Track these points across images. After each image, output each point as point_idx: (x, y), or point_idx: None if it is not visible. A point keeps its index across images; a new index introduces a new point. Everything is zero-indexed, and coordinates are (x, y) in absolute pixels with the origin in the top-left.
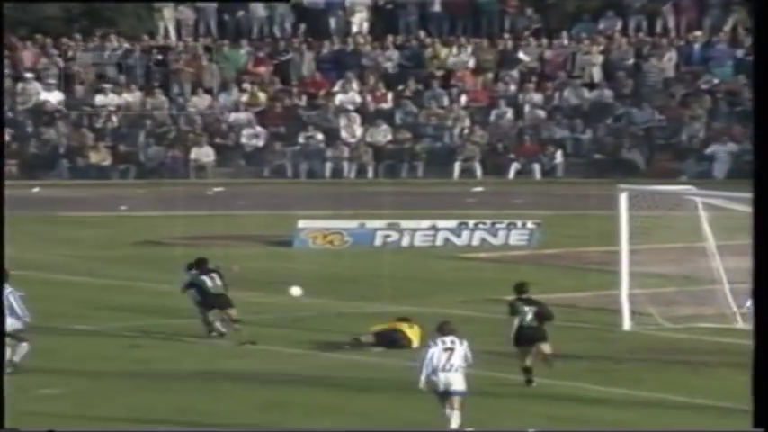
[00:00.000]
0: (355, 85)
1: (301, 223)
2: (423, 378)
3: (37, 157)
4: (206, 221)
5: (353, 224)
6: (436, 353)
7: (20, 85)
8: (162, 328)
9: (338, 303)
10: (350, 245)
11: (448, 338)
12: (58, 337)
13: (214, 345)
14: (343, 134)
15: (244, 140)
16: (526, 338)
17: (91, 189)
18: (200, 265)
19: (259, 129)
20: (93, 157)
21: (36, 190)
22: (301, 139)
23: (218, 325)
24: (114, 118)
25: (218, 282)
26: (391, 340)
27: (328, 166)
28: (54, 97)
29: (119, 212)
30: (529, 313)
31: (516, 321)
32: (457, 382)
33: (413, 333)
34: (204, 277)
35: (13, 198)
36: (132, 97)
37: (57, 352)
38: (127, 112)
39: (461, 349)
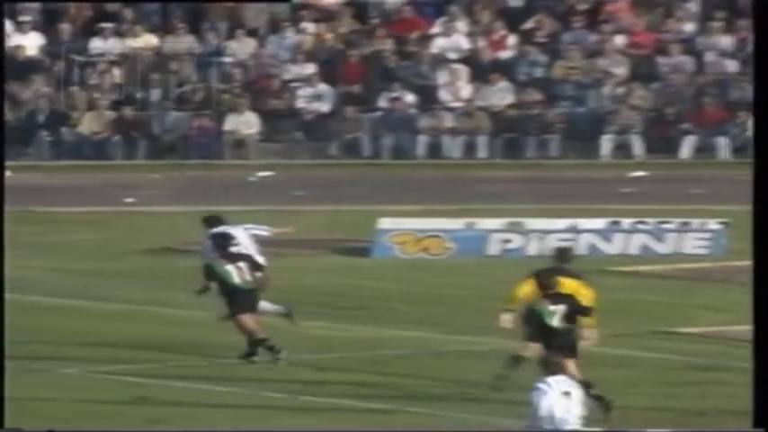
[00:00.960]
0: (462, 24)
1: (384, 223)
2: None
3: (6, 127)
4: (247, 219)
5: (458, 224)
6: (554, 400)
7: None
8: (182, 372)
9: (437, 337)
10: (454, 253)
11: (561, 378)
12: (34, 386)
13: (257, 395)
14: (445, 95)
15: (302, 104)
16: (565, 351)
17: (83, 173)
18: (220, 236)
19: (324, 87)
20: (87, 127)
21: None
22: (384, 102)
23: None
24: (117, 71)
25: (247, 276)
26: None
27: (422, 140)
28: (31, 42)
29: (123, 207)
30: (555, 314)
31: (534, 325)
32: None
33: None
34: (229, 267)
35: None
36: (143, 42)
37: (31, 406)
38: (135, 64)
39: (578, 393)
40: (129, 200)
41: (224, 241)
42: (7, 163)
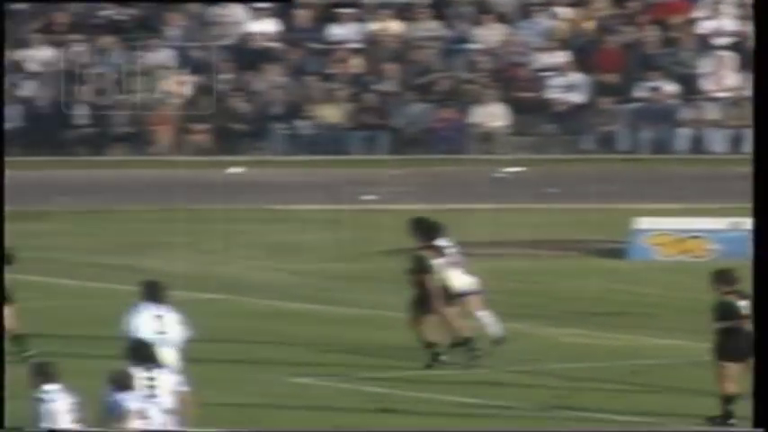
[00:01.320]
0: (729, 6)
1: (642, 222)
2: None
3: (241, 120)
4: (495, 218)
5: (723, 224)
6: None
7: (214, 11)
8: (424, 380)
9: (699, 346)
10: (717, 255)
11: None
12: (265, 394)
13: (504, 407)
14: (709, 84)
15: (554, 95)
16: (742, 349)
17: (319, 168)
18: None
19: (578, 77)
20: (324, 119)
21: (236, 170)
22: (643, 92)
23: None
24: (356, 60)
25: (467, 277)
26: None
27: (685, 133)
28: (266, 28)
29: (362, 204)
30: (743, 309)
31: (729, 319)
32: None
33: None
34: (439, 261)
35: (201, 182)
36: (384, 28)
37: (261, 413)
38: (376, 51)
39: None
40: (369, 197)
41: (432, 232)
42: (240, 158)
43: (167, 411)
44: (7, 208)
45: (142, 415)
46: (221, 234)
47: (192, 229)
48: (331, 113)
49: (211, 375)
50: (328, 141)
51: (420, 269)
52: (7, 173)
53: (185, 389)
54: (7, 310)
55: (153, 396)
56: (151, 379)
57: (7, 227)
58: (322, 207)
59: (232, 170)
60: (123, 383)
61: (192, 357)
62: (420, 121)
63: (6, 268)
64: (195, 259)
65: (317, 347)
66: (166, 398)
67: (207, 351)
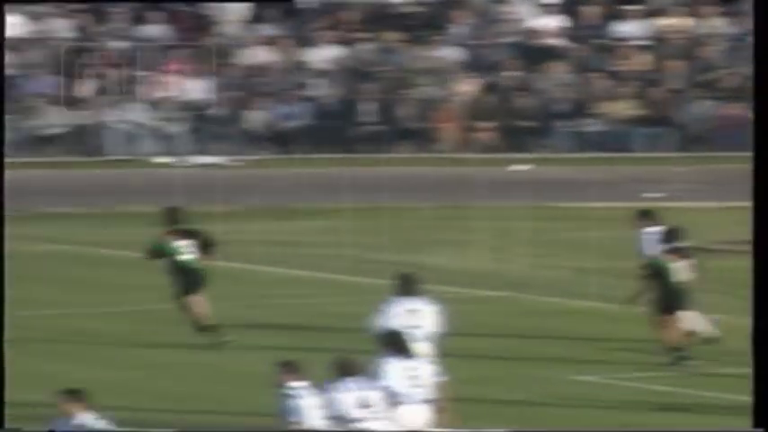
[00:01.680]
0: None
1: None
2: None
3: (526, 118)
4: None
5: None
6: None
7: (498, 8)
8: (712, 377)
9: None
10: None
11: None
12: (543, 392)
13: None
14: None
15: None
16: None
17: (603, 166)
18: (669, 231)
19: None
20: (608, 117)
21: (519, 167)
22: None
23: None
24: (641, 56)
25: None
26: None
27: None
28: (551, 24)
29: (642, 202)
30: None
31: None
32: None
33: None
34: (677, 264)
35: (486, 179)
36: (670, 24)
37: (542, 414)
38: (661, 48)
39: None
40: (652, 195)
41: (672, 236)
42: (525, 155)
43: (425, 401)
44: (292, 205)
45: (364, 403)
46: (505, 231)
47: (475, 227)
48: (616, 111)
49: (495, 373)
50: (613, 139)
51: (657, 273)
52: (292, 171)
53: (443, 378)
54: (197, 299)
55: (415, 385)
56: (412, 368)
57: (293, 223)
58: (606, 204)
59: (514, 167)
60: (348, 370)
61: (474, 354)
62: (705, 118)
63: (207, 255)
64: (478, 256)
65: (601, 345)
66: (425, 388)
67: (490, 348)
